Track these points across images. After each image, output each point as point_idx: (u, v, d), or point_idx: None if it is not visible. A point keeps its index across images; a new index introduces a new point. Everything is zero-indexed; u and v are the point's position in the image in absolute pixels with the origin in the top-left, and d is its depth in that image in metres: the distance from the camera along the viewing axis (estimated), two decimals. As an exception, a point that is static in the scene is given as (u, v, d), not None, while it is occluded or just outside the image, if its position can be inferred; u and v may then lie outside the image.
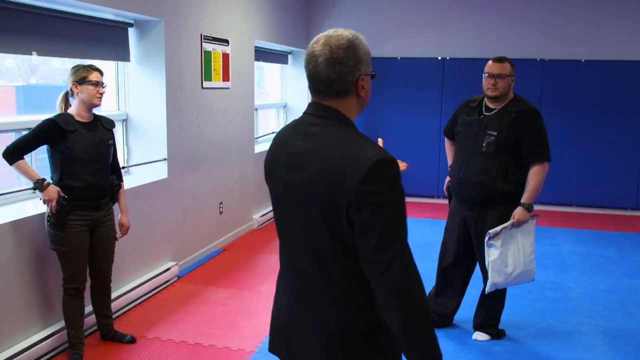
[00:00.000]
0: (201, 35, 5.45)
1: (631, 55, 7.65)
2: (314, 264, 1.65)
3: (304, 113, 1.70)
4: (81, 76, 3.46)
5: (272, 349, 1.89)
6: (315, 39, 1.66)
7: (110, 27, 4.68)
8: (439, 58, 8.12)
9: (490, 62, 3.72)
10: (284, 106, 8.77)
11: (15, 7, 3.75)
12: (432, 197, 8.38)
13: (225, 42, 5.93)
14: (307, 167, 1.60)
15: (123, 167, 4.71)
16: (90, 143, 3.47)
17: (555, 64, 7.81)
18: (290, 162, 1.64)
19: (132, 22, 4.85)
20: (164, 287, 4.84)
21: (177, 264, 5.08)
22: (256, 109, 7.66)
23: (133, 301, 4.45)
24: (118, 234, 3.80)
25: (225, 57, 5.96)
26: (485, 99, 3.81)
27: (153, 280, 4.71)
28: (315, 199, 1.57)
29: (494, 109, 3.74)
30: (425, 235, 6.30)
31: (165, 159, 4.99)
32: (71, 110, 3.51)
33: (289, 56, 8.68)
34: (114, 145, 3.71)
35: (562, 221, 7.43)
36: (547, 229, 6.96)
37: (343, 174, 1.52)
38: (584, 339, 3.99)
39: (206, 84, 5.58)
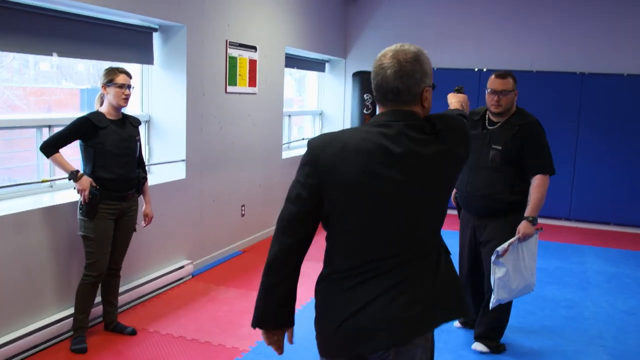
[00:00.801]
0: (227, 41, 5.59)
1: (677, 70, 7.36)
2: (416, 246, 1.83)
3: (382, 124, 1.80)
4: (109, 78, 3.73)
5: (345, 352, 1.92)
6: (382, 52, 1.83)
7: (136, 32, 4.87)
8: (475, 69, 8.01)
9: (493, 77, 3.71)
10: (320, 114, 8.85)
11: (60, 16, 4.11)
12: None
13: (252, 48, 6.05)
14: (415, 164, 1.77)
15: (153, 165, 5.01)
16: (120, 138, 3.74)
17: (595, 77, 7.58)
18: (397, 162, 1.76)
19: (157, 27, 5.03)
20: (177, 284, 4.96)
21: (191, 262, 5.20)
22: (289, 116, 7.78)
23: (144, 295, 4.60)
24: (141, 224, 4.07)
25: (253, 63, 6.08)
26: (488, 112, 3.80)
27: (166, 276, 4.85)
28: (433, 183, 1.80)
29: (497, 122, 3.74)
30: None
31: (183, 160, 5.13)
32: (102, 109, 3.78)
33: (327, 65, 8.76)
34: (140, 141, 3.97)
35: (594, 239, 7.19)
36: (577, 247, 6.76)
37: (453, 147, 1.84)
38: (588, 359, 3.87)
39: (230, 88, 5.71)
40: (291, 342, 2.00)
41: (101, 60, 4.90)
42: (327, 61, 8.74)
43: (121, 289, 4.38)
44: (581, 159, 7.72)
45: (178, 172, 5.15)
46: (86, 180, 3.59)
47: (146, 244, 4.73)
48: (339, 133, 1.85)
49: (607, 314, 4.70)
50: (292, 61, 7.54)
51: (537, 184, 3.63)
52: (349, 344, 1.88)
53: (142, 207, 4.07)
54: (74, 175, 3.58)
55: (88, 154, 3.65)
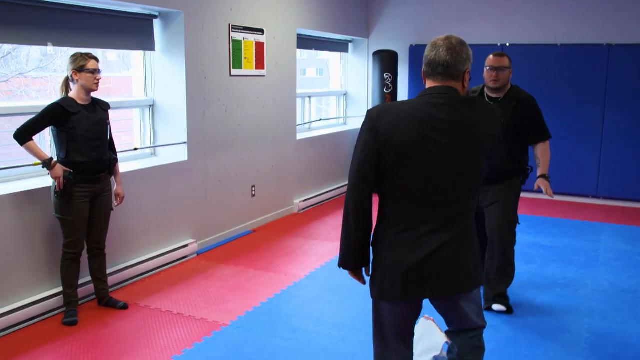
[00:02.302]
0: (229, 25, 5.71)
1: None
2: (461, 200, 2.19)
3: (432, 96, 2.16)
4: (80, 65, 3.86)
5: (411, 295, 2.22)
6: (435, 38, 2.22)
7: (137, 20, 5.06)
8: (499, 44, 7.83)
9: (491, 56, 4.08)
10: (345, 94, 8.87)
11: (60, 8, 4.37)
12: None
13: (259, 31, 6.15)
14: (460, 131, 2.14)
15: (150, 148, 5.28)
16: (91, 123, 3.89)
17: (623, 48, 7.27)
18: (445, 128, 2.12)
19: (157, 14, 5.20)
20: (180, 262, 5.18)
21: (196, 241, 5.40)
22: (309, 97, 7.85)
23: (146, 272, 4.83)
24: (114, 204, 4.22)
25: (260, 45, 6.18)
26: (486, 89, 4.15)
27: (169, 254, 5.07)
28: (473, 151, 2.16)
29: (497, 98, 4.09)
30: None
31: (185, 143, 5.32)
32: (72, 94, 3.92)
33: (350, 45, 8.76)
34: (109, 124, 4.11)
35: (618, 217, 6.95)
36: (596, 224, 6.57)
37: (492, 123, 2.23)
38: (565, 337, 3.80)
39: (235, 71, 5.84)
40: (368, 273, 2.37)
41: (105, 49, 5.13)
42: (350, 41, 8.73)
43: (122, 266, 4.64)
44: (608, 135, 7.45)
45: (180, 154, 5.34)
46: (59, 168, 3.76)
47: (149, 223, 4.95)
48: (393, 104, 2.22)
49: (604, 291, 4.59)
50: (309, 42, 7.59)
51: (544, 149, 4.08)
52: (416, 289, 2.20)
53: (114, 187, 4.23)
54: (47, 164, 3.75)
55: (61, 139, 3.81)
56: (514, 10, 7.81)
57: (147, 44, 5.20)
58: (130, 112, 5.44)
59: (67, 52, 4.70)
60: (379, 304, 2.34)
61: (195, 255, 5.39)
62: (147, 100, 5.34)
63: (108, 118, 4.08)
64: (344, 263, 2.33)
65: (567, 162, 7.55)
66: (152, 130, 5.41)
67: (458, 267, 2.19)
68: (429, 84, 2.21)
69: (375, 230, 2.30)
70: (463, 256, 2.21)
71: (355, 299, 4.41)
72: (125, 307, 4.19)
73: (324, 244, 5.81)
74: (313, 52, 8.14)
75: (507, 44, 7.78)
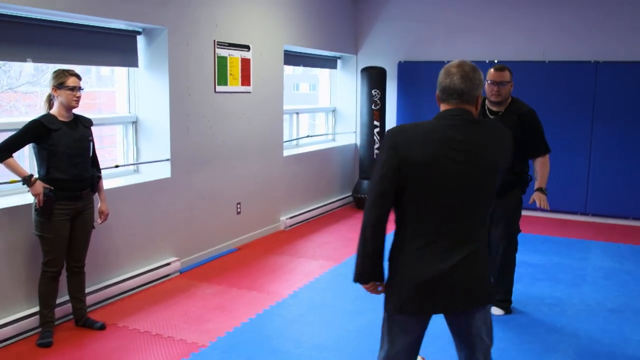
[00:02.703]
0: (214, 41, 5.68)
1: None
2: (477, 216, 2.30)
3: (448, 117, 2.28)
4: (59, 81, 3.81)
5: (427, 309, 2.33)
6: (448, 64, 2.32)
7: (120, 36, 5.01)
8: (487, 61, 7.82)
9: (492, 70, 4.15)
10: (333, 111, 8.85)
11: (42, 24, 4.35)
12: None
13: (245, 47, 6.12)
14: (475, 151, 2.25)
15: (132, 165, 5.23)
16: (72, 139, 3.83)
17: (611, 66, 7.27)
18: (461, 148, 2.23)
19: (140, 30, 5.16)
20: (162, 281, 5.09)
21: (179, 259, 5.32)
22: (297, 113, 7.82)
23: (126, 291, 4.74)
24: (97, 222, 4.16)
25: (246, 62, 6.15)
26: (487, 102, 4.24)
27: (150, 273, 4.99)
28: (488, 168, 2.27)
29: (498, 112, 4.18)
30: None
31: (168, 160, 5.25)
32: (53, 111, 3.86)
33: (338, 61, 8.75)
34: (92, 141, 4.05)
35: (607, 235, 6.91)
36: (585, 242, 6.52)
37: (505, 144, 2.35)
38: (551, 358, 3.73)
39: (220, 88, 5.80)
40: (382, 288, 2.42)
41: (87, 65, 5.09)
42: (339, 58, 8.72)
43: (102, 285, 4.56)
44: (597, 152, 7.43)
45: (163, 171, 5.28)
46: (39, 185, 3.71)
47: (131, 241, 4.87)
48: (411, 124, 2.33)
49: (592, 311, 4.52)
50: (297, 59, 7.57)
51: (543, 162, 4.21)
52: (433, 303, 2.29)
53: (98, 205, 4.17)
54: (27, 181, 3.69)
55: (42, 156, 3.76)
56: (502, 26, 7.82)
57: (130, 60, 5.15)
58: (114, 129, 5.38)
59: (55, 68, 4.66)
60: (392, 318, 2.40)
61: (178, 273, 5.31)
62: (130, 116, 5.29)
63: (91, 135, 4.02)
64: (359, 277, 2.37)
65: (556, 179, 7.48)
66: (135, 147, 5.35)
67: (475, 282, 2.30)
68: (443, 107, 2.33)
69: (392, 245, 2.38)
70: (478, 271, 2.31)
71: (338, 319, 4.34)
72: (102, 327, 4.10)
73: (310, 262, 5.74)
74: (308, 67, 8.12)
75: (496, 61, 7.77)
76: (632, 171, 7.28)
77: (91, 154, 4.01)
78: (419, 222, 2.27)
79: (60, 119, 3.82)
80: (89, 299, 4.33)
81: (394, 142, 2.26)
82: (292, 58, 7.35)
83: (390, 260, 2.38)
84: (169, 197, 5.28)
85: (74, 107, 3.88)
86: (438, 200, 2.24)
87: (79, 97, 3.85)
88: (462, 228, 2.27)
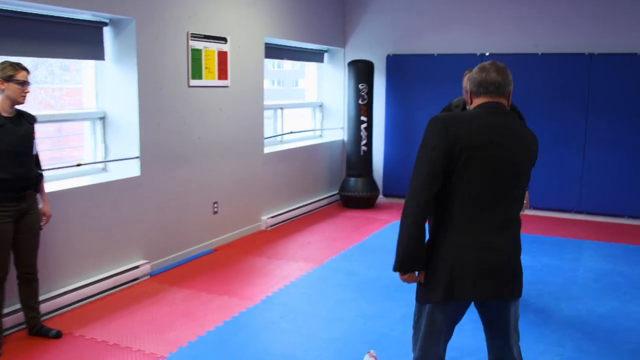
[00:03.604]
0: (188, 33, 5.41)
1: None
2: (515, 204, 2.38)
3: (487, 107, 2.38)
4: (8, 74, 3.56)
5: (477, 294, 2.35)
6: (481, 64, 2.44)
7: (86, 27, 4.75)
8: (478, 54, 7.55)
9: (467, 72, 4.02)
10: (320, 105, 8.57)
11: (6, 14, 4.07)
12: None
13: (222, 39, 5.85)
14: (516, 137, 2.36)
15: (99, 163, 4.99)
16: (17, 137, 3.59)
17: (605, 58, 6.98)
18: (503, 133, 2.33)
19: (107, 21, 4.90)
20: (130, 285, 4.84)
21: (149, 262, 5.07)
22: (281, 108, 7.56)
23: (90, 296, 4.49)
24: (42, 223, 3.89)
25: (223, 55, 5.88)
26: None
27: (116, 277, 4.73)
28: (526, 154, 2.38)
29: None
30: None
31: (137, 157, 5.00)
32: None
33: (325, 54, 8.47)
34: (35, 138, 3.79)
35: (600, 234, 6.64)
36: (577, 242, 6.26)
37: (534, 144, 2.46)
38: (534, 370, 3.48)
39: (194, 82, 5.53)
40: (423, 280, 2.42)
41: (50, 58, 4.82)
42: (326, 51, 8.45)
43: (62, 290, 4.31)
44: (591, 147, 7.15)
45: (133, 169, 5.02)
46: None
47: (95, 244, 4.62)
48: (453, 112, 2.45)
49: (581, 317, 4.27)
50: (280, 52, 7.31)
51: None
52: (481, 288, 2.31)
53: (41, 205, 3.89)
54: None
55: None
56: (493, 19, 7.54)
57: (96, 52, 4.89)
58: (81, 125, 5.12)
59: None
60: (436, 307, 2.40)
61: (148, 276, 5.05)
62: (98, 112, 5.03)
63: (34, 132, 3.76)
64: (402, 265, 2.36)
65: (549, 176, 7.25)
66: (103, 144, 5.09)
67: (515, 271, 2.38)
68: (477, 101, 2.42)
69: (433, 232, 2.41)
70: (518, 260, 2.40)
71: (311, 327, 4.09)
72: (58, 335, 3.85)
73: (288, 264, 5.48)
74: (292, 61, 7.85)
75: (487, 53, 7.50)
76: (628, 167, 7.01)
77: (35, 152, 3.77)
78: (464, 206, 2.31)
79: (4, 114, 3.57)
80: (47, 306, 4.09)
81: (442, 125, 2.31)
82: (274, 51, 7.08)
83: (431, 247, 2.38)
84: (138, 197, 5.02)
85: (21, 103, 3.65)
86: (485, 183, 2.30)
87: (27, 93, 3.62)
88: (505, 213, 2.34)
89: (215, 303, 4.49)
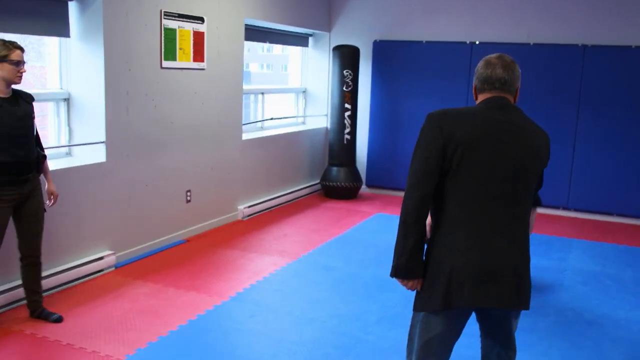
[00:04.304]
0: (161, 11, 5.09)
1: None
2: (520, 203, 2.21)
3: (489, 102, 2.26)
4: (2, 54, 3.43)
5: (477, 301, 2.16)
6: (487, 56, 2.32)
7: (49, 1, 4.43)
8: (467, 42, 7.28)
9: None
10: (304, 91, 8.28)
11: None
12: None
13: (198, 19, 5.53)
14: (518, 132, 2.22)
15: (63, 147, 4.73)
16: (16, 118, 3.48)
17: (599, 50, 6.74)
18: (505, 128, 2.21)
19: (72, -5, 4.58)
20: (92, 277, 4.55)
21: (114, 253, 4.79)
22: (262, 93, 7.27)
23: (47, 289, 4.19)
24: (48, 204, 3.82)
25: (199, 35, 5.57)
26: None
27: (77, 269, 4.45)
28: (531, 151, 2.22)
29: None
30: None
31: (103, 142, 4.69)
32: None
33: (310, 39, 8.16)
34: (34, 118, 3.66)
35: (589, 232, 6.44)
36: (566, 240, 6.05)
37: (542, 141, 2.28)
38: (516, 382, 3.25)
39: (167, 63, 5.22)
40: (419, 289, 2.28)
41: (9, 33, 4.49)
42: (311, 35, 8.14)
43: (18, 283, 4.01)
44: (581, 142, 6.93)
45: (98, 155, 4.72)
46: None
47: (56, 233, 4.32)
48: (451, 108, 2.30)
49: (568, 323, 4.05)
50: (262, 34, 7.00)
51: None
52: (483, 294, 2.14)
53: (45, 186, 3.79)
54: None
55: None
56: (484, 6, 7.26)
57: (60, 29, 4.56)
58: (45, 107, 4.80)
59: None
60: (431, 316, 2.25)
61: (113, 268, 4.77)
62: (62, 93, 4.71)
63: (33, 111, 3.61)
64: (398, 271, 2.23)
65: (537, 171, 7.02)
66: (67, 127, 4.77)
67: (522, 277, 2.19)
68: (482, 97, 2.30)
69: (433, 235, 2.26)
70: (526, 267, 2.22)
71: (281, 328, 3.84)
72: (59, 320, 3.76)
73: (262, 258, 5.21)
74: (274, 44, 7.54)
75: (477, 42, 7.24)
76: (617, 164, 6.80)
77: (35, 133, 3.64)
78: (462, 206, 2.18)
79: (0, 95, 3.41)
80: (-1, 300, 3.82)
81: (438, 121, 2.20)
82: (255, 33, 6.77)
83: (429, 250, 2.26)
84: (103, 184, 4.72)
85: (17, 83, 3.50)
86: (482, 181, 2.17)
87: (22, 73, 3.48)
88: (508, 213, 2.18)
89: (181, 299, 4.23)
